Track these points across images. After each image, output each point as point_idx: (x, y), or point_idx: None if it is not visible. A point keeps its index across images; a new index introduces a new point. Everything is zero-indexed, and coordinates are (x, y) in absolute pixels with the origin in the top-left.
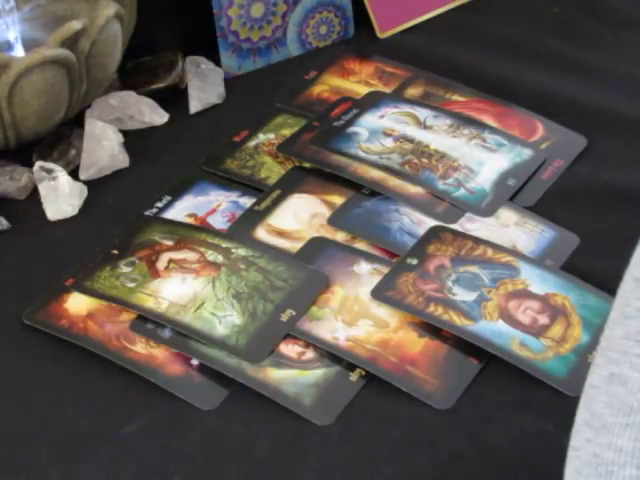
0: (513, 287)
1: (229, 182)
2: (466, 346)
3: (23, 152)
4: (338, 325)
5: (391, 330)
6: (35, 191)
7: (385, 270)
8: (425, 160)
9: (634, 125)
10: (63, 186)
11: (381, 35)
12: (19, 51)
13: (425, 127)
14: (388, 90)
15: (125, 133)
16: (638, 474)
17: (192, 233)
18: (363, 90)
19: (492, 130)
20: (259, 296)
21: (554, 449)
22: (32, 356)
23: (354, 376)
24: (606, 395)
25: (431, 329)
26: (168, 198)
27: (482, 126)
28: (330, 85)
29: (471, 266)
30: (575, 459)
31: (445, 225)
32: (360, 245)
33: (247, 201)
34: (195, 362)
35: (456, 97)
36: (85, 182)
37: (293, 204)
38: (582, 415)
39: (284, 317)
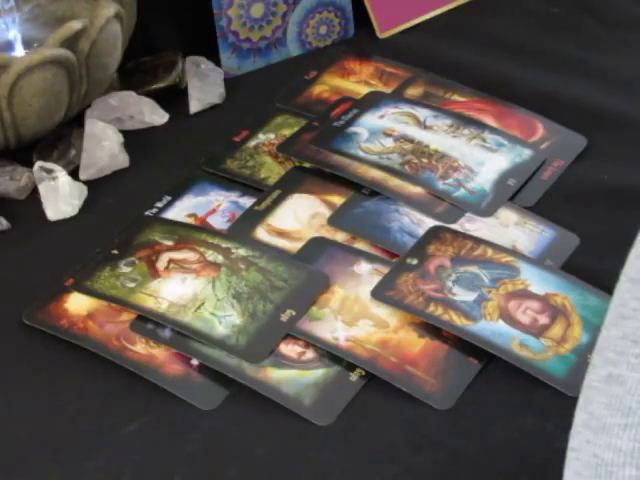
0: (513, 287)
1: (229, 182)
2: (466, 346)
3: (23, 152)
4: (338, 325)
5: (391, 330)
6: (35, 191)
7: (385, 270)
8: (425, 160)
9: (634, 125)
10: (63, 186)
11: (381, 35)
12: (19, 51)
13: (425, 127)
14: (388, 90)
15: (125, 133)
16: (638, 474)
17: (192, 233)
18: (363, 90)
19: (492, 130)
20: (259, 296)
21: (554, 449)
22: (32, 356)
23: (354, 376)
24: (604, 396)
25: (431, 329)
26: (168, 198)
27: (482, 126)
28: (330, 85)
29: (471, 266)
30: (574, 460)
31: (445, 225)
32: (360, 245)
33: (247, 201)
34: (195, 362)
35: (456, 97)
36: (85, 182)
37: (293, 204)
38: (581, 416)
39: (284, 317)
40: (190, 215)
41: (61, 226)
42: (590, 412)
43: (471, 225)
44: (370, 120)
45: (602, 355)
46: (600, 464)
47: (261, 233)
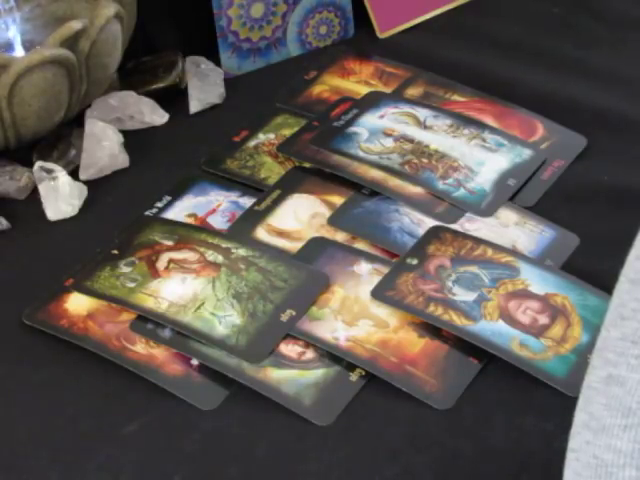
0: (513, 287)
1: (229, 182)
2: (466, 346)
3: (23, 152)
4: (338, 325)
5: (391, 330)
6: (35, 191)
7: (385, 270)
8: (425, 160)
9: (634, 125)
10: (63, 186)
11: (381, 35)
12: (19, 51)
13: (425, 127)
14: (388, 90)
15: (125, 133)
16: (638, 475)
17: (192, 233)
18: (363, 90)
19: (492, 130)
20: (259, 296)
21: (554, 449)
22: (32, 356)
23: (354, 376)
24: (604, 397)
25: (431, 329)
26: (168, 198)
27: (482, 126)
28: (330, 85)
29: (471, 266)
30: (574, 461)
31: (445, 225)
32: (360, 245)
33: (247, 201)
34: (195, 362)
35: (456, 97)
36: (85, 182)
37: (293, 204)
38: (580, 417)
39: (284, 317)
40: (190, 215)
41: (61, 226)
42: (590, 413)
43: (471, 225)
44: (370, 120)
45: (602, 356)
46: (600, 465)
47: (261, 233)
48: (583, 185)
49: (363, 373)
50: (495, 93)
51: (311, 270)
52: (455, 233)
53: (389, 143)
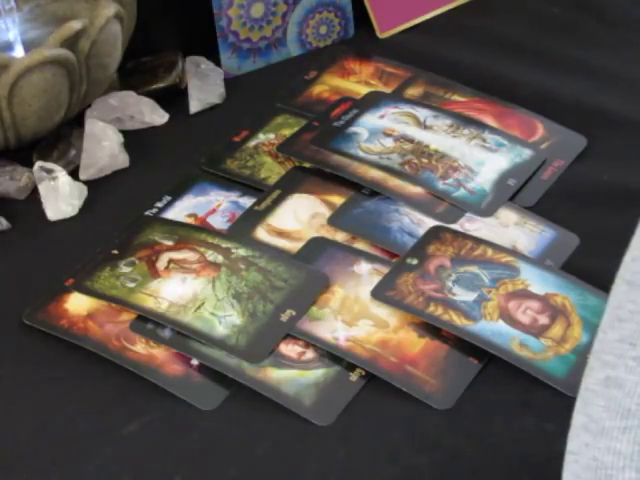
0: (513, 287)
1: (229, 182)
2: (466, 346)
3: (23, 152)
4: (338, 325)
5: (391, 330)
6: (35, 191)
7: (385, 270)
8: (425, 160)
9: (634, 125)
10: (63, 186)
11: (381, 35)
12: (19, 51)
13: (425, 127)
14: (388, 90)
15: (125, 133)
16: (637, 477)
17: (192, 233)
18: (363, 90)
19: (492, 130)
20: (259, 296)
21: (554, 449)
22: (32, 356)
23: (354, 376)
24: (603, 399)
25: (431, 329)
26: (168, 198)
27: (482, 126)
28: (330, 85)
29: (471, 266)
30: (573, 463)
31: (445, 225)
32: (360, 245)
33: (247, 201)
34: (195, 362)
35: (456, 97)
36: (85, 182)
37: (293, 204)
38: (579, 419)
39: (284, 317)
40: (190, 215)
41: (61, 226)
42: (589, 415)
43: (471, 225)
44: (370, 120)
45: (599, 358)
46: (600, 467)
47: (261, 233)
48: (583, 185)
49: (363, 373)
50: (495, 93)
51: (311, 270)
52: (455, 233)
53: (389, 143)
